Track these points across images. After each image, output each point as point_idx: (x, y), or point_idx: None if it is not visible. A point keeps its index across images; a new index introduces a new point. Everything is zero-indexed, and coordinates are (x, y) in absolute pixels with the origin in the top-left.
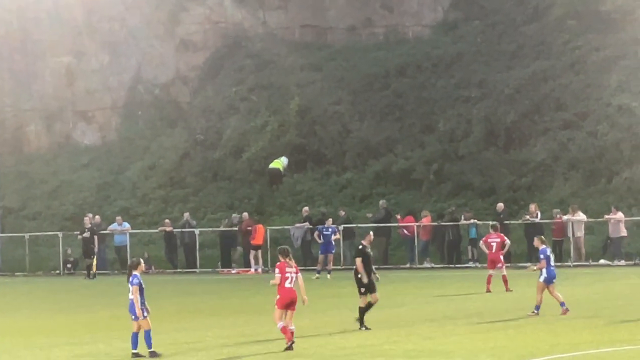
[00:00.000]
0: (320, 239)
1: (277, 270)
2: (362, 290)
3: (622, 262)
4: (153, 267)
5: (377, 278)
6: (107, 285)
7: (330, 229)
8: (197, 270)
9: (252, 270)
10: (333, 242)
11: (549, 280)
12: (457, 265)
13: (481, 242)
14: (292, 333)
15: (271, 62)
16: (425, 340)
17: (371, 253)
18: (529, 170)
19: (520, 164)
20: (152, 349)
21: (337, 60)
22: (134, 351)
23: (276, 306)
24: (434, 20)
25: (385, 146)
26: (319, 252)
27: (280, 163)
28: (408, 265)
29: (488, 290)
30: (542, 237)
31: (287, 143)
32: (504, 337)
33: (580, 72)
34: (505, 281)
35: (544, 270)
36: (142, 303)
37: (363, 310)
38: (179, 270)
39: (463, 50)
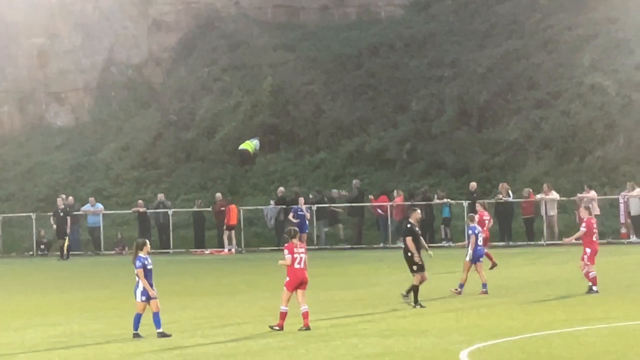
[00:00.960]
0: (294, 219)
1: (286, 251)
2: (415, 268)
3: None
4: (127, 248)
5: (430, 255)
6: (80, 266)
7: (304, 209)
8: (170, 250)
9: (226, 250)
10: (307, 222)
11: (475, 259)
12: (430, 245)
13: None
14: (306, 314)
15: (244, 42)
16: (399, 320)
17: (419, 231)
18: (501, 149)
19: (493, 143)
20: (161, 330)
21: (310, 40)
22: (135, 332)
23: (285, 288)
24: None
25: (358, 126)
26: None
27: (251, 145)
28: (381, 245)
29: (494, 264)
30: (473, 215)
31: (260, 123)
32: (477, 316)
33: (552, 51)
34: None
35: (469, 249)
36: (150, 285)
37: (415, 289)
38: (152, 251)
39: (435, 30)
